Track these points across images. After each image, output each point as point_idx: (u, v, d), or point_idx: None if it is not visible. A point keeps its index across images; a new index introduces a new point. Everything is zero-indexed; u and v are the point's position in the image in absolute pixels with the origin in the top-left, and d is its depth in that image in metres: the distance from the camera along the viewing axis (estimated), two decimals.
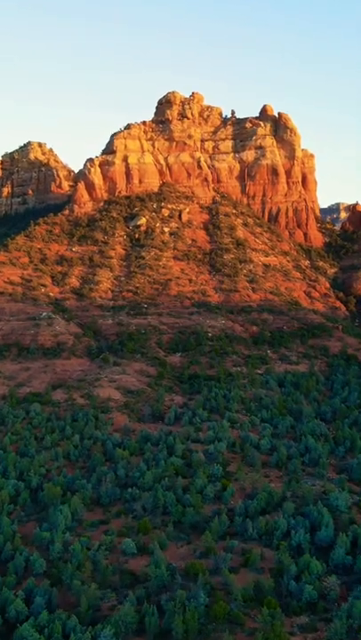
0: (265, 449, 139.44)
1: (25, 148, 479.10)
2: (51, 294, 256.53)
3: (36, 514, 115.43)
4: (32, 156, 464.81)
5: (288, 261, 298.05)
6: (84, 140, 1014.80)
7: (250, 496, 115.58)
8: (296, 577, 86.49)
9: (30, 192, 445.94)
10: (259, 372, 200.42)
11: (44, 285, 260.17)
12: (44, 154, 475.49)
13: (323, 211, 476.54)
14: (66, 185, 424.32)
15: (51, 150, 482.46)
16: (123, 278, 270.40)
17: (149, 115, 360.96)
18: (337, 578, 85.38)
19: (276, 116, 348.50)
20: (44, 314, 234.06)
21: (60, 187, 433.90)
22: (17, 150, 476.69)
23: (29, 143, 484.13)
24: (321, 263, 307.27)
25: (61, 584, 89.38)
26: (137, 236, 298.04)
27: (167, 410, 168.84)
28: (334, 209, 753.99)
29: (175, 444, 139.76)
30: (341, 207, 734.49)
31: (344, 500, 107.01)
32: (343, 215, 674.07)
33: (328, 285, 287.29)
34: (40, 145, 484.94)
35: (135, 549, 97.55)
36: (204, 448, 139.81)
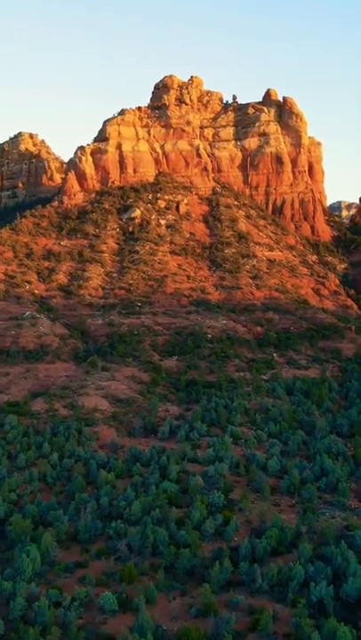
0: (274, 470, 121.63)
1: (15, 139, 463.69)
2: (36, 292, 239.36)
3: (0, 553, 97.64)
4: (22, 148, 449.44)
5: (294, 256, 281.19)
6: (78, 130, 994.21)
7: (257, 531, 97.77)
8: None
9: (20, 185, 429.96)
10: (264, 378, 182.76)
11: (28, 282, 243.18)
12: (35, 145, 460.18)
13: None
14: (58, 177, 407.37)
15: (42, 141, 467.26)
16: (115, 274, 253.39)
17: (146, 102, 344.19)
18: None
19: (281, 100, 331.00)
20: (28, 313, 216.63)
21: (51, 179, 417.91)
22: (7, 141, 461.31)
23: (20, 134, 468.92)
24: (330, 258, 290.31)
25: None
26: (131, 229, 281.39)
27: (161, 422, 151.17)
28: (335, 207, 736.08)
29: (169, 464, 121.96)
30: (343, 205, 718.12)
31: None
32: (345, 213, 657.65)
33: (338, 282, 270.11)
34: (31, 136, 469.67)
35: (116, 605, 79.85)
36: (202, 469, 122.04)
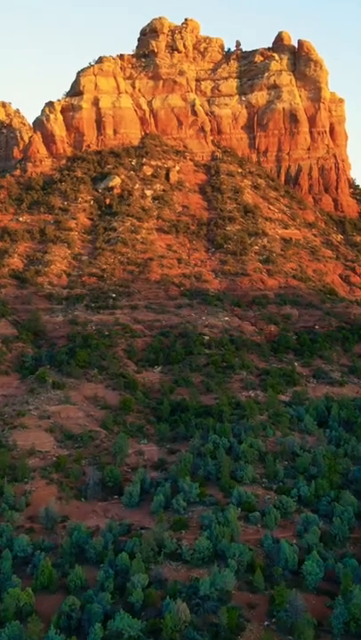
0: (314, 580, 72.82)
1: None
2: None
3: None
4: None
5: (315, 235, 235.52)
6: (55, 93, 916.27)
7: None
8: None
9: None
10: (284, 398, 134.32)
11: None
12: (7, 115, 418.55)
13: None
14: None
15: (17, 111, 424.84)
16: (84, 257, 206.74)
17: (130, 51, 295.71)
18: None
19: (296, 45, 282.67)
20: None
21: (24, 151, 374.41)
22: None
23: None
24: (359, 238, 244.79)
25: None
26: (108, 201, 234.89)
27: (129, 475, 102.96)
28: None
29: (133, 568, 73.25)
30: None
31: None
32: None
33: None
34: (3, 104, 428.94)
35: None
36: (189, 576, 73.93)
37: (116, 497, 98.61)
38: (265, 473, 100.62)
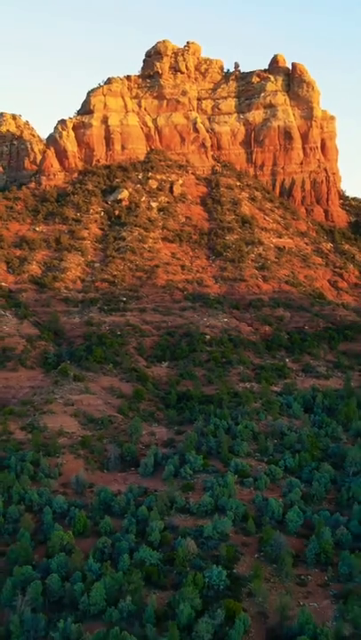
0: (295, 526, 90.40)
1: None
2: (3, 284, 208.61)
3: None
4: (4, 129, 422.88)
5: (306, 244, 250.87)
6: (65, 110, 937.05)
7: (277, 635, 66.74)
8: None
9: (1, 169, 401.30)
10: (276, 389, 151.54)
11: None
12: (18, 127, 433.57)
13: None
14: None
15: (26, 123, 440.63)
16: (97, 264, 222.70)
17: (136, 72, 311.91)
18: None
19: (290, 67, 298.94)
20: None
21: (34, 162, 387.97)
22: None
23: (1, 115, 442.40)
24: (347, 246, 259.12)
25: None
26: (117, 212, 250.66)
27: (144, 451, 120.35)
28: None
29: (150, 518, 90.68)
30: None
31: None
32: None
33: (358, 273, 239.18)
34: (14, 117, 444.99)
35: None
36: (196, 524, 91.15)
37: (133, 469, 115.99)
38: (258, 448, 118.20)
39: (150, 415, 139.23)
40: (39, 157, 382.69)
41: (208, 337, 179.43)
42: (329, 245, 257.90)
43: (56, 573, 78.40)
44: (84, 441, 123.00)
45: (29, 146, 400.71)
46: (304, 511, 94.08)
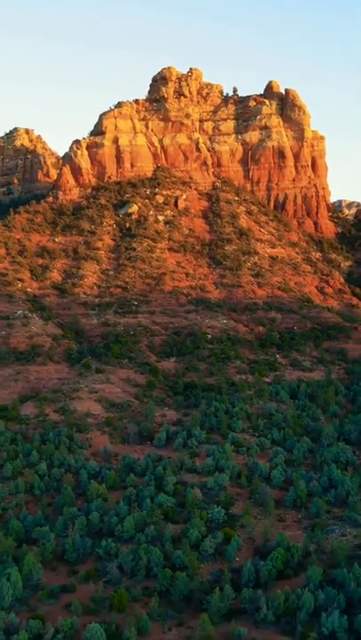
0: (278, 482, 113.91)
1: (11, 134, 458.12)
2: (28, 290, 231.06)
3: None
4: (18, 143, 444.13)
5: (297, 253, 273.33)
6: (75, 125, 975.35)
7: (261, 551, 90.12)
8: None
9: (16, 181, 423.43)
10: (267, 380, 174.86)
11: (21, 280, 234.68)
12: (31, 141, 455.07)
13: None
14: (54, 173, 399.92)
15: (39, 137, 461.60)
16: (111, 272, 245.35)
17: (143, 95, 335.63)
18: None
19: (283, 93, 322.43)
20: (19, 312, 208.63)
21: (47, 175, 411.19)
22: (2, 137, 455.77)
23: (15, 129, 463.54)
24: (334, 255, 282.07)
25: None
26: (128, 225, 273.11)
27: (157, 428, 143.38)
28: (336, 206, 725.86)
29: (165, 475, 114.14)
30: (344, 204, 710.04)
31: None
32: (346, 212, 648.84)
33: (343, 280, 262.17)
34: (27, 131, 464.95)
35: (104, 638, 71.91)
36: (201, 480, 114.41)
37: (149, 442, 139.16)
38: (250, 426, 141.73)
39: (161, 400, 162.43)
40: (52, 170, 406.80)
41: (209, 336, 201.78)
42: (318, 254, 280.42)
43: (96, 512, 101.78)
44: (108, 421, 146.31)
45: (42, 159, 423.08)
46: (286, 471, 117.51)
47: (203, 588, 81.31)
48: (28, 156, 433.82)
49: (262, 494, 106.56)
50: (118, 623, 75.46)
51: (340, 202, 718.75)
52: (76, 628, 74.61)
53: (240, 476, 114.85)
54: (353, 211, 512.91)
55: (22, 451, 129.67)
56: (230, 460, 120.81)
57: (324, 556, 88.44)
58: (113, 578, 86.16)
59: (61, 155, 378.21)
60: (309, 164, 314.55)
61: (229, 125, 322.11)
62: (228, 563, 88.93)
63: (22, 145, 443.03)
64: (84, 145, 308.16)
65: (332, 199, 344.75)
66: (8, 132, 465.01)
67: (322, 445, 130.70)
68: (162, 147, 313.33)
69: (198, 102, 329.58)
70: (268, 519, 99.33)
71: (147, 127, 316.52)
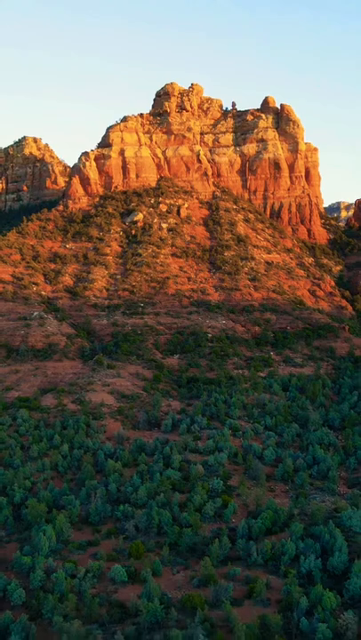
0: (269, 460, 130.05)
1: (20, 143, 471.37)
2: (43, 293, 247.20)
3: (18, 533, 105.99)
4: (27, 152, 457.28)
5: (291, 259, 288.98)
6: (81, 134, 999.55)
7: (253, 514, 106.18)
8: (307, 611, 77.06)
9: (25, 188, 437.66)
10: (262, 375, 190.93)
11: (35, 284, 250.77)
12: (39, 149, 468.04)
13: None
14: (61, 181, 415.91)
15: (46, 145, 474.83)
16: (118, 276, 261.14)
17: (147, 108, 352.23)
18: (354, 613, 75.80)
19: (279, 107, 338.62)
20: (36, 313, 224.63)
21: (55, 183, 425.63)
22: (11, 145, 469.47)
23: (24, 138, 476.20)
24: (326, 260, 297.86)
25: (41, 618, 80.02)
26: (133, 232, 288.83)
27: (164, 416, 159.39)
28: (335, 208, 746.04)
29: (172, 454, 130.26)
30: (342, 206, 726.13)
31: (358, 520, 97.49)
32: (344, 214, 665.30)
33: (333, 284, 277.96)
34: (35, 140, 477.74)
35: (126, 577, 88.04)
36: (203, 459, 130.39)
37: (156, 428, 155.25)
38: (246, 414, 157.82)
39: (167, 393, 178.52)
40: (59, 178, 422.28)
41: (210, 335, 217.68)
42: (310, 260, 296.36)
43: (114, 484, 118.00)
44: (120, 410, 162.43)
45: (50, 167, 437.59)
46: (276, 451, 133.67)
47: (205, 541, 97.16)
48: (37, 165, 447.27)
49: (255, 470, 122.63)
50: (136, 567, 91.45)
51: (338, 203, 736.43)
52: (102, 569, 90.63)
53: (237, 455, 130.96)
54: (351, 212, 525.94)
55: (46, 435, 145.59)
56: (228, 442, 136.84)
57: (306, 517, 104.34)
58: (130, 534, 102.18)
59: (68, 163, 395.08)
60: (303, 174, 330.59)
61: (228, 138, 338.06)
62: (226, 523, 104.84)
63: (31, 153, 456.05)
64: (92, 157, 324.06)
65: (332, 200, 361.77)
66: (17, 140, 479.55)
67: (308, 430, 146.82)
68: (165, 158, 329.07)
69: (199, 116, 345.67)
70: (260, 489, 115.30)
71: (151, 140, 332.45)
